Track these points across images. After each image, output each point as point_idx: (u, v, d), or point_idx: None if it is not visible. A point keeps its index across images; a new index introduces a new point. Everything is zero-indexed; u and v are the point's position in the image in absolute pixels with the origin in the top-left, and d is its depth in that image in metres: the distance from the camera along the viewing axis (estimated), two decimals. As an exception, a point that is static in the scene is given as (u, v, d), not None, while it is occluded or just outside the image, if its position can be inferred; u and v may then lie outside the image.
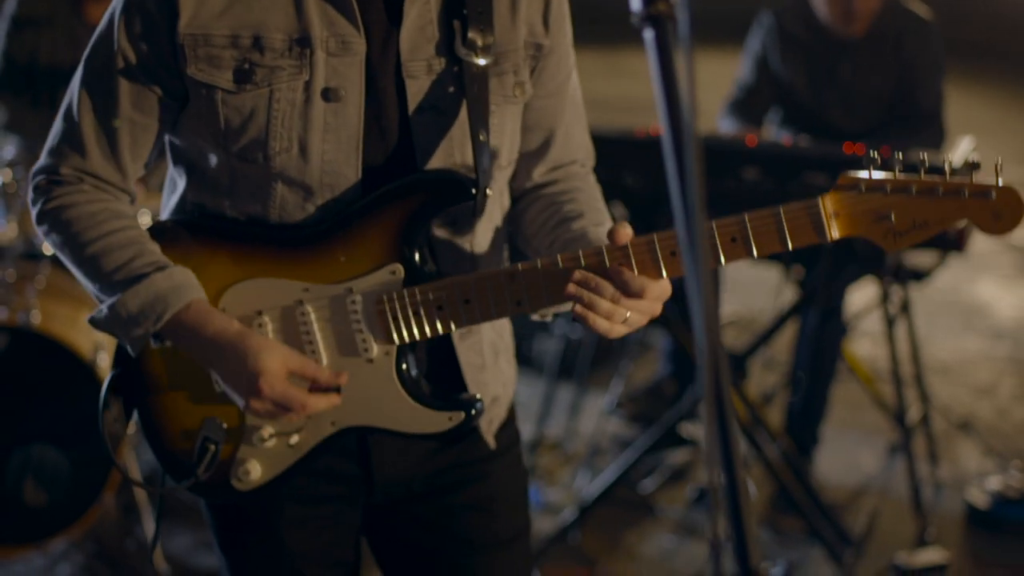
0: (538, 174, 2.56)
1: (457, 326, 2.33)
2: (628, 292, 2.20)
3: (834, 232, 2.18)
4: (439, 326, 2.32)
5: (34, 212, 2.44)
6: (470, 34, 2.33)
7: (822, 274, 4.99)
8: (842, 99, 5.63)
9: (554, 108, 2.53)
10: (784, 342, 6.12)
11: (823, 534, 4.78)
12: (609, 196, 4.91)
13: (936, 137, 5.56)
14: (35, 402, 4.65)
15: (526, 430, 5.75)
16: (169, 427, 2.45)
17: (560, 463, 5.67)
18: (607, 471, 5.24)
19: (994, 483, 5.30)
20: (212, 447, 2.40)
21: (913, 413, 5.52)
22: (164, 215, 2.52)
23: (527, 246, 2.55)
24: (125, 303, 2.32)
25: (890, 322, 5.21)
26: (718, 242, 2.20)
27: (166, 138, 2.46)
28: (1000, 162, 2.17)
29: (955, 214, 2.16)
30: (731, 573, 1.44)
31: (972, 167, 2.16)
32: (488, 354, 2.55)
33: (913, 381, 5.69)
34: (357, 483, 2.52)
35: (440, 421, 2.40)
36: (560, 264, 2.26)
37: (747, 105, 5.81)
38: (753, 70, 5.82)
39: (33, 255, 4.98)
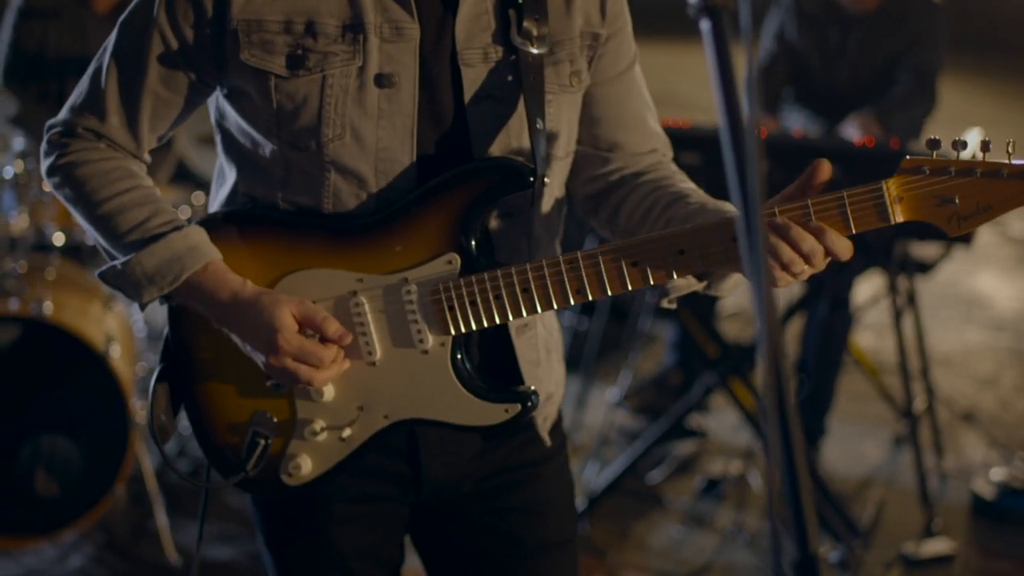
0: (617, 166, 2.51)
1: (515, 316, 2.29)
2: (832, 250, 2.13)
3: (898, 216, 2.13)
4: (496, 316, 2.29)
5: (45, 164, 2.42)
6: (525, 23, 2.32)
7: (831, 265, 4.99)
8: (850, 73, 5.82)
9: (619, 96, 2.49)
10: (792, 334, 6.13)
11: (832, 525, 4.81)
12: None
13: (928, 99, 5.74)
14: (47, 393, 4.65)
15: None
16: (217, 421, 2.43)
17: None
18: (615, 463, 5.26)
19: (999, 474, 5.32)
20: (262, 441, 2.38)
21: (918, 405, 5.55)
22: (213, 207, 2.51)
23: (632, 235, 2.44)
24: (141, 262, 2.31)
25: (897, 314, 5.24)
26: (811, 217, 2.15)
27: (216, 127, 2.45)
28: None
29: (1019, 197, 2.11)
30: (790, 558, 1.45)
31: None
32: (542, 351, 2.53)
33: (918, 373, 5.70)
34: (406, 482, 2.49)
35: (496, 413, 2.36)
36: (668, 236, 2.21)
37: (765, 75, 5.91)
38: (772, 46, 6.00)
39: (44, 246, 4.98)
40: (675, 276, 2.22)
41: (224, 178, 2.48)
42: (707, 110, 6.14)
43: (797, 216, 2.14)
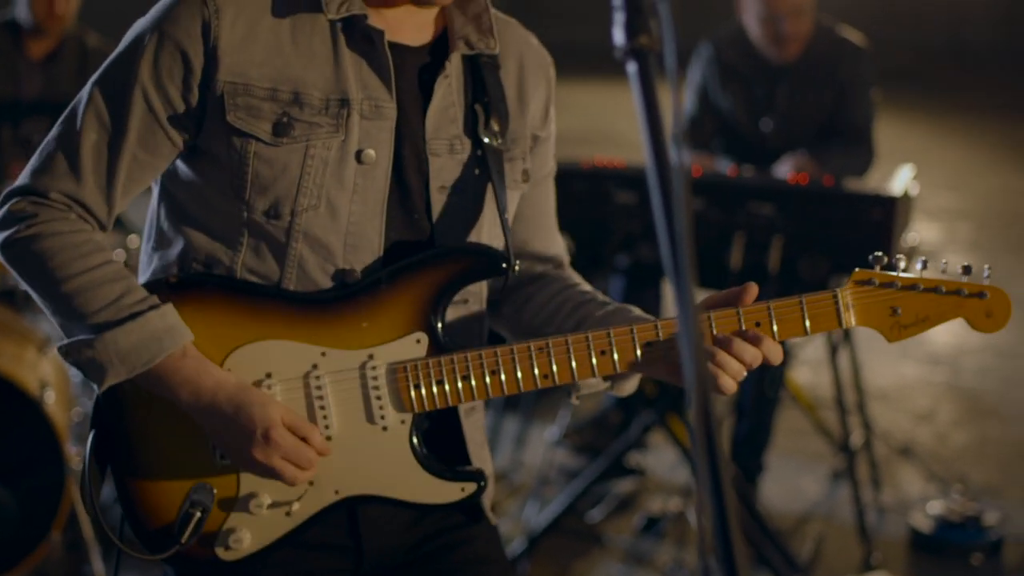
0: (528, 263, 2.59)
1: (479, 397, 2.32)
2: (767, 358, 2.29)
3: (851, 321, 2.36)
4: (462, 396, 2.31)
5: (3, 235, 2.30)
6: (491, 119, 2.40)
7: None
8: (780, 124, 5.75)
9: (539, 198, 2.60)
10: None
11: (771, 560, 4.82)
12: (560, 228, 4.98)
13: (865, 156, 5.77)
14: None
15: (473, 462, 5.77)
16: (151, 494, 2.35)
17: (507, 494, 5.68)
18: (555, 502, 5.25)
19: (936, 507, 5.36)
20: (198, 513, 2.31)
21: (855, 439, 5.58)
22: (147, 271, 2.44)
23: (535, 332, 2.53)
24: (116, 340, 2.22)
25: (833, 349, 5.28)
26: (743, 325, 2.30)
27: (161, 189, 2.41)
28: (991, 268, 2.38)
29: (953, 311, 2.36)
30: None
31: (966, 270, 2.36)
32: (485, 433, 2.59)
33: (855, 408, 5.74)
34: (347, 554, 2.46)
35: (452, 492, 2.38)
36: (594, 338, 2.31)
37: (690, 131, 5.90)
38: (695, 101, 5.92)
39: (-24, 292, 4.94)
40: (638, 366, 2.33)
41: (168, 241, 2.40)
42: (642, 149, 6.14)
43: (734, 323, 2.30)
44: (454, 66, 2.39)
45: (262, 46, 2.27)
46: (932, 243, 9.81)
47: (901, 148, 11.94)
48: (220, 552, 2.36)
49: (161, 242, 2.42)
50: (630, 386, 2.45)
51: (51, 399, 4.57)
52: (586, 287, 2.57)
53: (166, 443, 2.35)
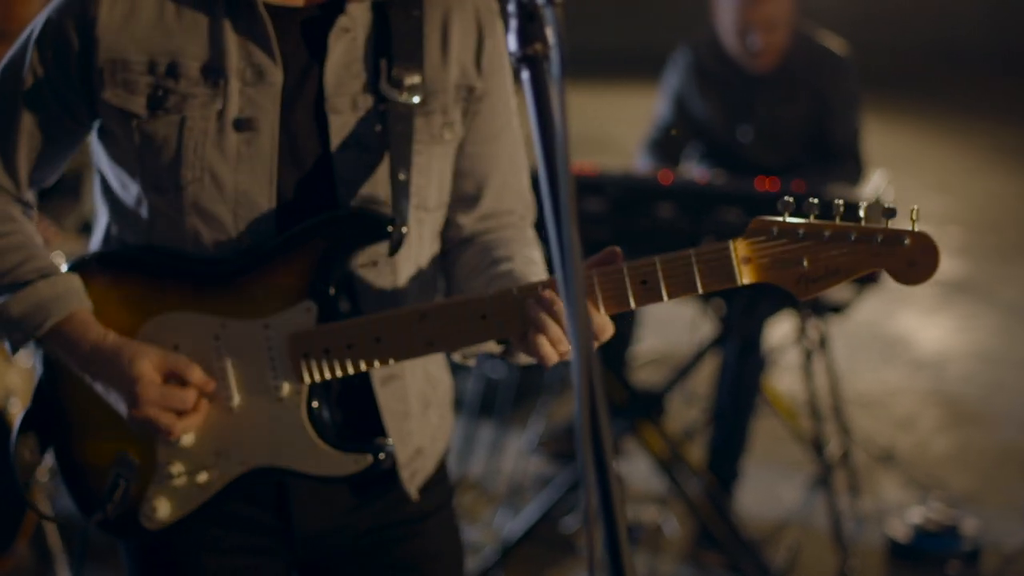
0: (470, 223, 2.51)
1: (368, 366, 2.29)
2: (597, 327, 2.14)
3: (745, 277, 2.12)
4: (349, 366, 2.29)
5: None
6: (394, 72, 2.32)
7: (738, 308, 5.01)
8: (759, 133, 5.67)
9: (488, 156, 2.48)
10: (706, 377, 6.13)
11: (745, 569, 4.79)
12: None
13: (853, 171, 5.61)
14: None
15: (447, 470, 5.74)
16: (82, 463, 2.43)
17: (482, 502, 5.65)
18: (529, 510, 5.22)
19: (915, 515, 5.33)
20: (123, 483, 2.36)
21: (833, 446, 5.55)
22: (92, 247, 2.50)
23: (455, 291, 2.51)
24: (8, 307, 2.33)
25: (808, 356, 5.24)
26: (628, 286, 2.15)
27: (97, 173, 2.44)
28: (916, 209, 2.08)
29: (868, 261, 2.10)
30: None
31: (888, 213, 2.09)
32: (415, 404, 2.49)
33: (833, 415, 5.71)
34: (277, 535, 2.47)
35: (346, 464, 2.36)
36: (472, 302, 2.23)
37: (664, 143, 5.85)
38: (670, 108, 5.86)
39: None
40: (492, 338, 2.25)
41: (98, 220, 2.47)
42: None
43: (621, 281, 2.15)
44: (359, 18, 2.33)
45: (144, 23, 2.28)
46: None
47: (889, 151, 11.89)
48: (143, 520, 2.41)
49: (96, 220, 2.49)
50: (526, 357, 2.30)
51: (15, 408, 4.54)
52: (507, 248, 2.44)
53: (95, 412, 2.40)
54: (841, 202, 2.10)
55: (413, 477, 2.52)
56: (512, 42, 1.48)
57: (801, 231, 2.11)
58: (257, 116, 2.28)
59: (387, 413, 2.44)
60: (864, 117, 5.77)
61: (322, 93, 2.31)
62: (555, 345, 2.14)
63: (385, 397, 2.44)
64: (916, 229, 2.08)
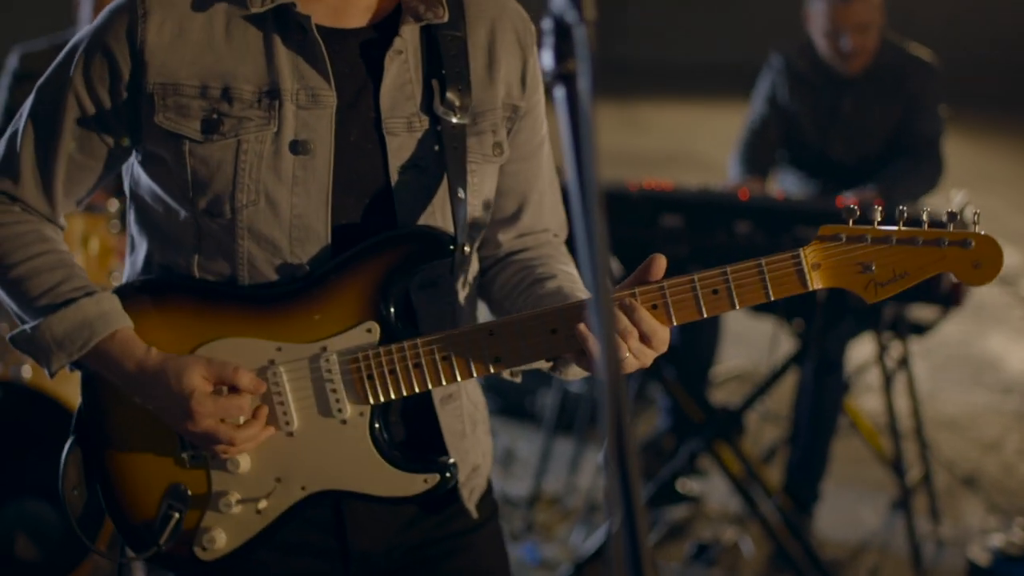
0: (507, 240, 2.53)
1: (434, 384, 2.29)
2: (644, 336, 2.19)
3: (816, 283, 2.19)
4: (416, 385, 2.29)
5: None
6: (448, 93, 2.33)
7: (815, 328, 4.96)
8: (844, 135, 5.75)
9: (528, 173, 2.51)
10: (788, 396, 6.07)
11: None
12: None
13: (934, 168, 5.70)
14: (27, 457, 4.63)
15: (524, 485, 5.74)
16: (130, 494, 2.40)
17: (559, 519, 5.63)
18: (604, 527, 5.20)
19: (996, 540, 5.24)
20: (176, 515, 2.35)
21: (915, 469, 5.47)
22: (128, 276, 2.48)
23: (496, 313, 2.52)
24: (51, 327, 2.30)
25: (888, 377, 5.18)
26: (699, 295, 2.20)
27: (129, 196, 2.44)
28: (978, 212, 2.20)
29: (935, 264, 2.19)
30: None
31: (952, 218, 2.18)
32: (468, 423, 2.51)
33: (914, 436, 5.63)
34: (334, 557, 2.45)
35: (415, 484, 2.35)
36: (543, 316, 2.25)
37: (756, 146, 5.89)
38: (763, 109, 5.93)
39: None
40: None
41: (136, 248, 2.45)
42: (725, 169, 6.15)
43: (688, 291, 2.21)
44: (409, 41, 2.34)
45: (193, 45, 2.27)
46: (1014, 267, 9.60)
47: (976, 169, 11.74)
48: (198, 552, 2.39)
49: (132, 248, 2.47)
50: (576, 371, 2.34)
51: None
52: (548, 266, 2.47)
53: (141, 442, 2.38)
54: (905, 211, 2.17)
55: (472, 494, 2.54)
56: (547, 60, 1.48)
57: (869, 236, 2.19)
58: (312, 139, 2.28)
59: (448, 433, 2.44)
60: (949, 130, 5.77)
61: (378, 114, 2.32)
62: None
63: (446, 417, 2.44)
64: (980, 232, 2.17)
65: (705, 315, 2.21)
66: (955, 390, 7.34)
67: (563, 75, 1.46)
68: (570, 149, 1.43)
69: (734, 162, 5.90)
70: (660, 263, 2.22)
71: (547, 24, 1.48)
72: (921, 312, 5.56)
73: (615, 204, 4.89)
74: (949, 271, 2.19)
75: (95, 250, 4.96)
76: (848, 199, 5.35)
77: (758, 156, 5.85)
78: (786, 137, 5.88)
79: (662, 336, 2.21)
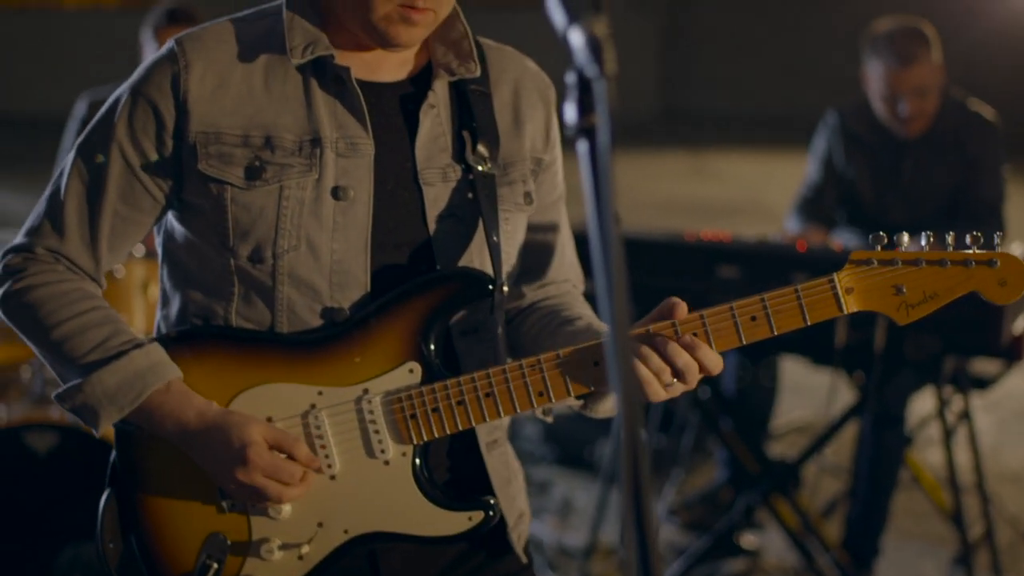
0: (530, 291, 2.58)
1: (477, 421, 2.32)
2: (704, 364, 2.25)
3: (851, 306, 2.29)
4: (459, 422, 2.32)
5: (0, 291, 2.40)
6: (478, 145, 2.40)
7: (874, 380, 4.92)
8: (904, 198, 5.62)
9: (550, 225, 2.58)
10: (849, 449, 6.01)
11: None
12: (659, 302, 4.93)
13: (996, 231, 5.51)
14: (84, 500, 4.66)
15: (580, 536, 5.71)
16: (167, 546, 2.39)
17: (615, 570, 5.60)
18: (660, 579, 5.15)
19: (1060, 598, 5.16)
20: (214, 564, 2.35)
21: (977, 524, 5.40)
22: (156, 332, 2.50)
23: (527, 353, 2.51)
24: (101, 380, 2.30)
25: (948, 432, 5.13)
26: (738, 321, 2.27)
27: (162, 251, 2.47)
28: (1001, 234, 2.32)
29: (963, 284, 2.30)
30: None
31: (975, 240, 2.29)
32: (513, 470, 2.55)
33: (976, 490, 5.55)
34: None
35: (459, 522, 2.37)
36: (586, 349, 2.29)
37: (813, 204, 5.82)
38: (819, 169, 5.83)
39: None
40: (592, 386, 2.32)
41: (169, 300, 2.47)
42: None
43: (727, 320, 2.28)
44: (440, 95, 2.42)
45: (234, 94, 2.33)
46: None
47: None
48: None
49: (166, 303, 2.49)
50: (606, 407, 2.39)
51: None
52: (574, 308, 2.54)
53: (177, 493, 2.39)
54: (931, 234, 2.29)
55: (520, 539, 2.55)
56: (570, 113, 1.49)
57: (900, 260, 2.30)
58: (352, 185, 2.33)
59: (496, 478, 2.47)
60: (1010, 186, 5.67)
61: (414, 165, 2.38)
62: (659, 376, 2.25)
63: (492, 461, 2.47)
64: (1004, 252, 2.28)
65: (744, 341, 2.28)
66: (1019, 444, 7.24)
67: (584, 129, 1.47)
68: (591, 202, 1.44)
69: (792, 217, 5.85)
70: (681, 307, 2.28)
71: (570, 78, 1.50)
72: (983, 366, 5.50)
73: (672, 254, 4.89)
74: (976, 290, 2.29)
75: (154, 296, 5.02)
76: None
77: (815, 215, 5.78)
78: (843, 198, 5.79)
79: (711, 363, 2.27)
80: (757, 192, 14.13)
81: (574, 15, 1.53)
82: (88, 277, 2.42)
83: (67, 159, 2.41)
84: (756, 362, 5.45)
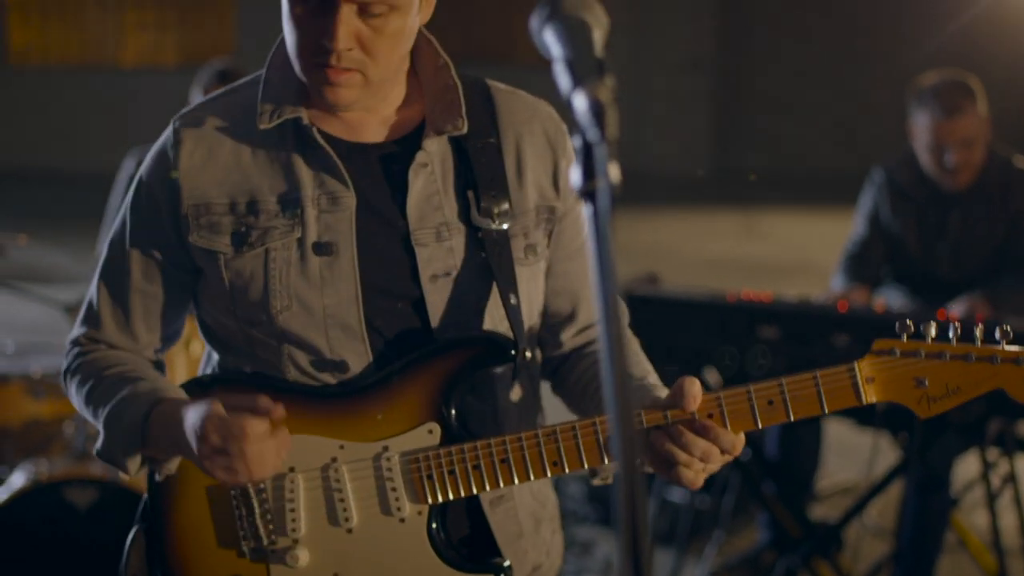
0: (568, 339, 2.58)
1: (492, 487, 2.34)
2: (723, 447, 2.24)
3: (870, 396, 2.25)
4: (474, 486, 2.34)
5: (63, 377, 2.58)
6: (483, 202, 2.40)
7: (916, 443, 4.88)
8: (951, 252, 5.59)
9: (577, 271, 2.56)
10: (894, 511, 5.95)
11: None
12: (702, 363, 4.92)
13: None
14: (122, 555, 4.69)
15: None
16: None
17: (656, 631, 5.56)
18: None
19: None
20: None
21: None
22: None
23: (576, 410, 2.55)
24: (118, 418, 2.40)
25: (993, 495, 5.07)
26: (755, 405, 2.25)
27: (197, 315, 2.55)
28: None
29: (989, 380, 2.21)
30: None
31: (1005, 335, 2.21)
32: (527, 522, 2.54)
33: (1022, 554, 5.49)
34: None
35: None
36: (600, 424, 2.29)
37: (860, 260, 5.79)
38: (865, 224, 5.81)
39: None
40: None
41: (209, 356, 2.58)
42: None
43: (744, 403, 2.26)
44: (436, 152, 2.42)
45: (221, 165, 2.40)
46: None
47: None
48: None
49: (208, 357, 2.58)
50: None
51: None
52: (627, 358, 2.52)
53: (203, 535, 2.43)
54: (958, 326, 2.21)
55: None
56: (575, 177, 1.50)
57: (923, 351, 2.24)
58: (335, 240, 2.37)
59: (500, 534, 2.47)
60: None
61: (407, 225, 2.39)
62: (690, 466, 2.24)
63: (496, 518, 2.47)
64: None
65: (760, 426, 2.26)
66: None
67: (588, 193, 1.48)
68: (593, 265, 1.45)
69: (838, 274, 5.83)
70: (696, 387, 2.26)
71: (576, 142, 1.51)
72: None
73: (713, 314, 4.87)
74: (1002, 387, 2.21)
75: (196, 352, 5.07)
76: (953, 310, 5.27)
77: (862, 273, 5.75)
78: (890, 254, 5.77)
79: (729, 445, 2.25)
80: (807, 252, 14.08)
81: (579, 79, 1.55)
82: (129, 352, 2.56)
83: (102, 250, 2.56)
84: (799, 423, 5.42)
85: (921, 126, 5.56)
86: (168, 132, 2.46)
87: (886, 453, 5.45)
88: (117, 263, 2.51)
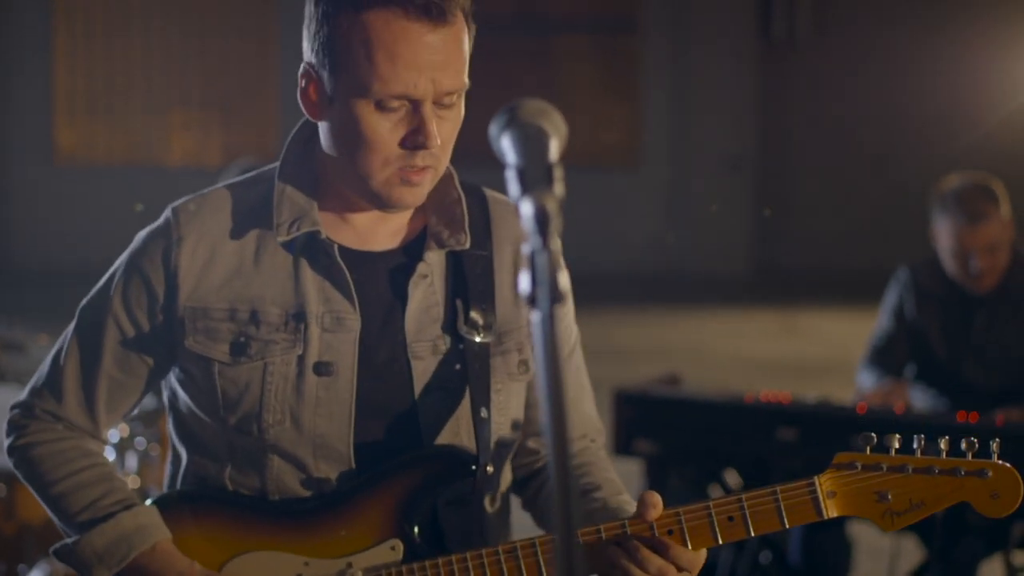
0: (544, 449, 2.54)
1: None
2: (680, 565, 2.23)
3: (831, 511, 2.22)
4: None
5: (6, 444, 2.49)
6: (472, 313, 2.38)
7: (936, 548, 4.82)
8: (976, 354, 5.52)
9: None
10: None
11: None
12: (722, 464, 4.89)
13: None
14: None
15: None
16: None
17: None
18: None
19: None
20: None
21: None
22: (165, 484, 2.55)
23: (546, 525, 2.52)
24: (91, 542, 2.35)
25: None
26: (715, 521, 2.24)
27: (168, 407, 2.51)
28: (998, 441, 2.16)
29: (953, 494, 2.19)
30: None
31: (971, 447, 2.16)
32: None
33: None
34: None
35: None
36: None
37: (884, 354, 5.72)
38: (890, 319, 5.76)
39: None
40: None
41: (177, 458, 2.51)
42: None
43: (703, 518, 2.26)
44: (435, 262, 2.40)
45: (223, 269, 2.36)
46: None
47: None
48: None
49: (173, 459, 2.53)
50: None
51: None
52: (592, 476, 2.50)
53: None
54: (922, 439, 2.19)
55: None
56: (523, 284, 1.51)
57: (885, 465, 2.22)
58: (336, 361, 2.34)
59: None
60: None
61: (404, 338, 2.37)
62: None
63: None
64: (998, 461, 2.16)
65: (720, 542, 2.24)
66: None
67: (532, 300, 1.49)
68: (540, 370, 1.45)
69: (863, 372, 5.79)
70: (657, 504, 2.25)
71: (525, 249, 1.52)
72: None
73: (731, 416, 4.86)
74: (967, 500, 2.19)
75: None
76: (1000, 414, 5.17)
77: (886, 365, 5.71)
78: (914, 353, 5.72)
79: (687, 563, 2.24)
80: (846, 351, 13.99)
81: (527, 187, 1.57)
82: (87, 435, 2.49)
83: (71, 325, 2.48)
84: (819, 529, 5.34)
85: (944, 231, 5.53)
86: (166, 221, 2.40)
87: (911, 553, 5.38)
88: (90, 339, 2.43)
